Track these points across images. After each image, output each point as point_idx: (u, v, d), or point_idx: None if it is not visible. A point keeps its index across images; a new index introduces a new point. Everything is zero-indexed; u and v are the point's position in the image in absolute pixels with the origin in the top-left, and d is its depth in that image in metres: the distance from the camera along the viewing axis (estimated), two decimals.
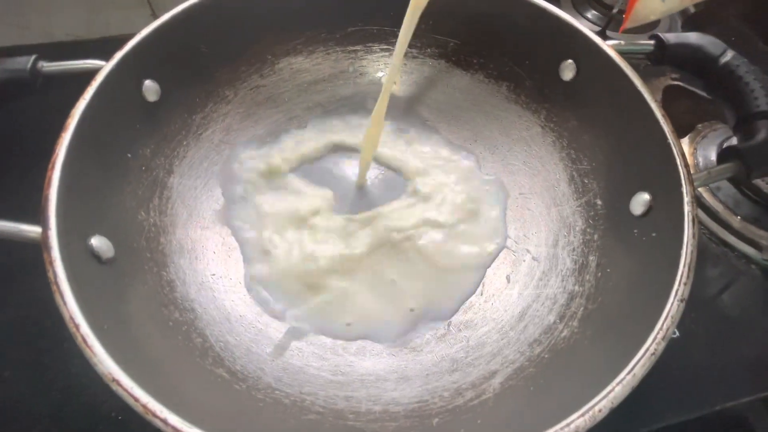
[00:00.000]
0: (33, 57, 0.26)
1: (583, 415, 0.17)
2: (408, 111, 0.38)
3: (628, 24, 0.29)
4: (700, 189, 0.38)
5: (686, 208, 0.22)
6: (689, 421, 0.30)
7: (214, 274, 0.29)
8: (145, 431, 0.27)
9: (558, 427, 0.16)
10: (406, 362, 0.27)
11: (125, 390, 0.16)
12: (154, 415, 0.16)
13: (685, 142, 0.41)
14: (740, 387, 0.31)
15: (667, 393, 0.30)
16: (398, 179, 0.35)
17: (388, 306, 0.28)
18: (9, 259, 0.33)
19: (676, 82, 0.45)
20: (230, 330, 0.26)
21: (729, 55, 0.27)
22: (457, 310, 0.29)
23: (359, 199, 0.34)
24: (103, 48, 0.27)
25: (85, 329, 0.17)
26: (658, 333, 0.19)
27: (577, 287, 0.27)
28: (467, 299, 0.29)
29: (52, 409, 0.28)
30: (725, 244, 0.37)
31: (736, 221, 0.37)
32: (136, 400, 0.16)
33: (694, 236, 0.21)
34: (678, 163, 0.23)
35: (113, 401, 0.29)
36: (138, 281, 0.24)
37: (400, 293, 0.29)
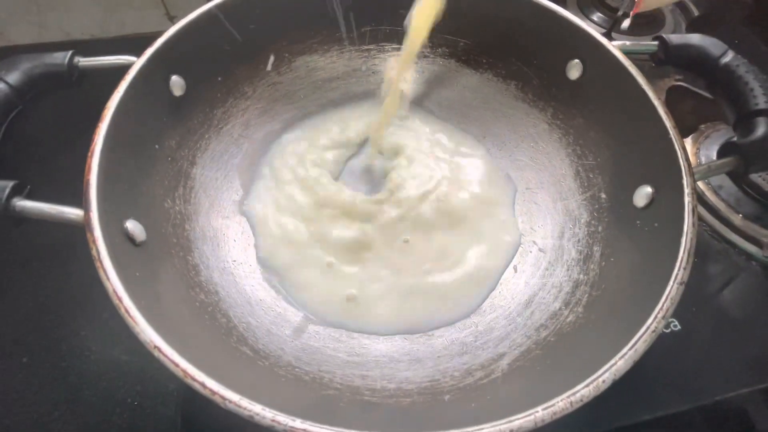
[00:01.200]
0: (70, 52, 0.27)
1: (587, 385, 0.18)
2: (419, 108, 0.39)
3: (641, 8, 0.29)
4: (702, 187, 0.39)
5: (686, 199, 0.23)
6: (690, 411, 0.31)
7: (234, 260, 0.30)
8: (159, 416, 0.29)
9: (564, 395, 0.18)
10: (417, 345, 0.28)
11: (166, 356, 0.18)
12: (193, 379, 0.17)
13: (688, 142, 0.42)
14: (739, 379, 0.32)
15: (669, 383, 0.31)
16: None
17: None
18: (28, 249, 0.34)
19: (679, 83, 0.46)
20: (251, 312, 0.28)
21: (729, 56, 0.29)
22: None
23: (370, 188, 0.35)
24: (120, 47, 0.28)
25: (127, 302, 0.19)
26: (658, 312, 0.20)
27: (582, 276, 0.28)
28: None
29: (70, 394, 0.29)
30: (727, 241, 0.38)
31: (737, 219, 0.38)
32: (176, 365, 0.18)
33: (693, 225, 0.22)
34: (679, 156, 0.24)
35: (129, 387, 0.31)
36: (167, 264, 0.26)
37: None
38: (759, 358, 0.33)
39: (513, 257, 0.32)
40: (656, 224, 0.25)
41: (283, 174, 0.34)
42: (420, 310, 0.29)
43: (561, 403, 0.17)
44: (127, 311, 0.19)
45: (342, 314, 0.29)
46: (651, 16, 0.52)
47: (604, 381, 0.18)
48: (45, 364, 0.30)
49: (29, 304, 0.32)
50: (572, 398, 0.18)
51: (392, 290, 0.30)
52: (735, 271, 0.37)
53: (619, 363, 0.19)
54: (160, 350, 0.18)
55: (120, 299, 0.19)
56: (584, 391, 0.18)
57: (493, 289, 0.30)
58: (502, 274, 0.31)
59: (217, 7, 0.31)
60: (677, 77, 0.47)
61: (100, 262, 0.20)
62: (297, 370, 0.24)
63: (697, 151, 0.42)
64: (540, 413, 0.17)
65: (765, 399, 0.36)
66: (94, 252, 0.20)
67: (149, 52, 0.28)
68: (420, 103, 0.39)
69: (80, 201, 0.22)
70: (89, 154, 0.23)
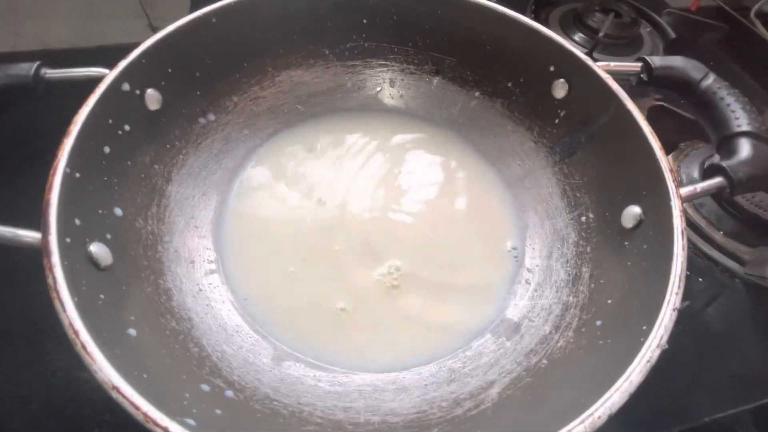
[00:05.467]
0: (36, 63, 0.26)
1: (582, 422, 0.17)
2: (405, 125, 0.39)
3: None
4: (684, 204, 0.39)
5: (675, 222, 0.23)
6: None
7: (210, 284, 0.29)
8: None
9: None
10: (404, 373, 0.27)
11: (126, 398, 0.16)
12: (155, 424, 0.16)
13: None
14: (727, 399, 0.32)
15: (656, 405, 0.31)
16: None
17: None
18: None
19: (659, 103, 0.47)
20: (226, 340, 0.26)
21: (711, 78, 0.29)
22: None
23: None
24: (99, 57, 0.27)
25: (84, 336, 0.17)
26: (652, 341, 0.19)
27: (571, 298, 0.28)
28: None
29: (31, 425, 0.27)
30: (709, 258, 0.38)
31: (719, 236, 0.38)
32: (137, 408, 0.16)
33: (683, 248, 0.22)
34: (667, 178, 0.24)
35: (96, 416, 0.28)
36: (135, 289, 0.24)
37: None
38: (745, 377, 0.33)
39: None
40: (645, 246, 0.25)
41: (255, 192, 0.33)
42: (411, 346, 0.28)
43: None
44: (83, 347, 0.17)
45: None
46: (629, 38, 0.54)
47: (599, 417, 0.17)
48: (5, 393, 0.28)
49: None
50: None
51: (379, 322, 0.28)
52: (718, 288, 0.37)
53: (615, 396, 0.18)
54: (119, 391, 0.16)
55: (76, 333, 0.17)
56: (579, 428, 0.17)
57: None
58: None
59: (200, 19, 0.30)
60: (657, 97, 0.48)
61: (56, 292, 0.18)
62: (275, 403, 0.23)
63: (678, 169, 0.43)
64: None
65: (753, 419, 0.35)
66: (50, 280, 0.18)
67: (122, 64, 0.26)
68: (406, 120, 0.39)
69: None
70: (51, 171, 0.21)
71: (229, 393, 0.22)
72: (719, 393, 0.32)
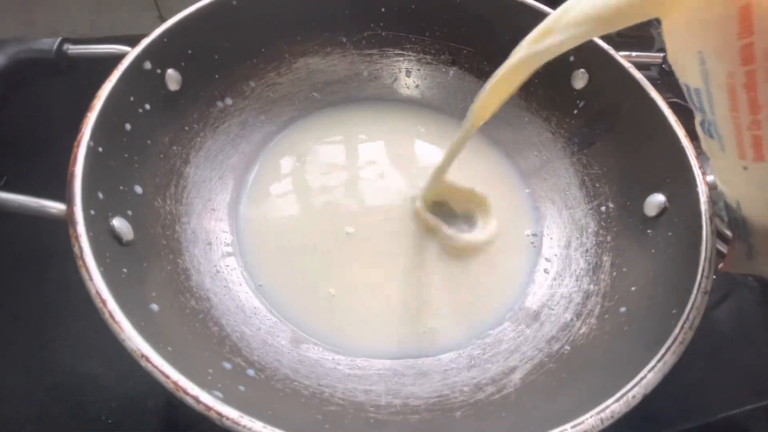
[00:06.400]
0: (59, 39, 0.26)
1: (618, 400, 0.17)
2: (421, 116, 0.39)
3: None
4: None
5: (703, 207, 0.23)
6: (692, 429, 0.30)
7: (227, 266, 0.29)
8: None
9: (594, 411, 0.16)
10: (422, 359, 0.26)
11: (155, 367, 0.16)
12: (186, 393, 0.15)
13: None
14: (741, 396, 0.32)
15: (671, 401, 0.30)
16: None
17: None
18: None
19: (672, 100, 0.47)
20: (245, 321, 0.26)
21: None
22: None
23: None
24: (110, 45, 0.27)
25: (112, 305, 0.17)
26: (685, 323, 0.19)
27: (592, 286, 0.27)
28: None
29: (37, 412, 0.26)
30: (722, 255, 0.38)
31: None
32: (167, 377, 0.16)
33: (712, 233, 0.22)
34: (693, 165, 0.24)
35: (103, 403, 0.28)
36: (155, 267, 0.24)
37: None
38: (759, 374, 0.33)
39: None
40: (670, 233, 0.25)
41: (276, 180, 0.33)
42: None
43: (591, 420, 0.16)
44: (111, 315, 0.17)
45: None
46: (640, 36, 0.54)
47: (634, 396, 0.17)
48: (11, 379, 0.27)
49: None
50: (602, 414, 0.16)
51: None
52: (732, 284, 0.37)
53: (649, 376, 0.18)
54: (148, 360, 0.16)
55: (104, 302, 0.17)
56: (615, 406, 0.17)
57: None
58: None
59: (221, 1, 0.30)
60: (668, 95, 0.48)
61: (83, 260, 0.18)
62: (295, 383, 0.23)
63: None
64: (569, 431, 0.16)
65: (767, 416, 0.35)
66: (76, 249, 0.18)
67: (145, 42, 0.26)
68: (422, 110, 0.39)
69: (63, 197, 0.20)
70: (75, 144, 0.21)
71: (251, 372, 0.22)
72: (734, 390, 0.32)
